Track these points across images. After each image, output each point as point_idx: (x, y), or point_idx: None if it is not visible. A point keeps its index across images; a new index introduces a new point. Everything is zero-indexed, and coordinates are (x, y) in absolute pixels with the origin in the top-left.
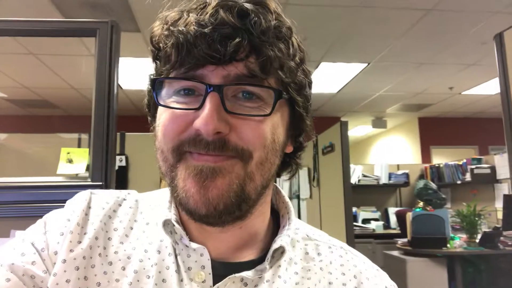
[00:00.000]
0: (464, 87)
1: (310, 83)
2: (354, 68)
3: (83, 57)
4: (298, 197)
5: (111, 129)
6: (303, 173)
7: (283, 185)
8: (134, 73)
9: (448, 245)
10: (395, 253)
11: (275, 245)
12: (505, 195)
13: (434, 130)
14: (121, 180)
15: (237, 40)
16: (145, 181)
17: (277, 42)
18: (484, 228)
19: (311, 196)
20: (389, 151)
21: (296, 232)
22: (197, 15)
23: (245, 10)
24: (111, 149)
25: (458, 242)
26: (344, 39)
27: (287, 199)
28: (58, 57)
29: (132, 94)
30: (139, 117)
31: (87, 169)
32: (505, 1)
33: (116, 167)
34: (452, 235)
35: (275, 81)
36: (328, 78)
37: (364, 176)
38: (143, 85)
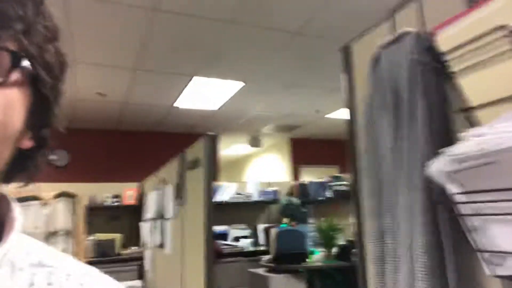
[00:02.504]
0: (328, 110)
1: (63, 64)
2: (232, 86)
3: None
4: (162, 217)
5: None
6: (168, 191)
7: (149, 205)
8: None
9: (308, 260)
10: (260, 270)
11: None
12: None
13: (304, 150)
14: None
15: None
16: None
17: (24, 1)
18: (342, 242)
19: (175, 215)
20: (264, 169)
21: (25, 258)
22: None
23: None
24: None
25: (316, 256)
26: (216, 54)
27: (16, 213)
28: None
29: None
30: None
31: None
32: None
33: None
34: (313, 249)
35: (14, 46)
36: (205, 94)
37: (238, 194)
38: None
